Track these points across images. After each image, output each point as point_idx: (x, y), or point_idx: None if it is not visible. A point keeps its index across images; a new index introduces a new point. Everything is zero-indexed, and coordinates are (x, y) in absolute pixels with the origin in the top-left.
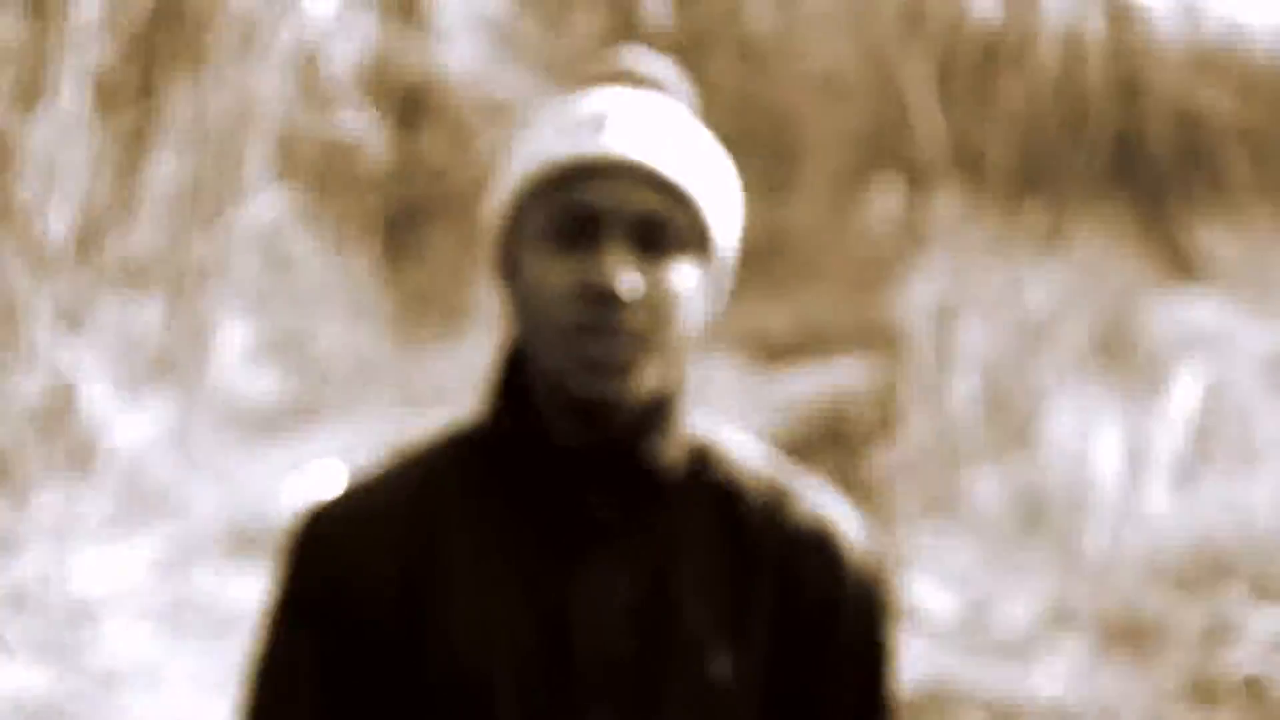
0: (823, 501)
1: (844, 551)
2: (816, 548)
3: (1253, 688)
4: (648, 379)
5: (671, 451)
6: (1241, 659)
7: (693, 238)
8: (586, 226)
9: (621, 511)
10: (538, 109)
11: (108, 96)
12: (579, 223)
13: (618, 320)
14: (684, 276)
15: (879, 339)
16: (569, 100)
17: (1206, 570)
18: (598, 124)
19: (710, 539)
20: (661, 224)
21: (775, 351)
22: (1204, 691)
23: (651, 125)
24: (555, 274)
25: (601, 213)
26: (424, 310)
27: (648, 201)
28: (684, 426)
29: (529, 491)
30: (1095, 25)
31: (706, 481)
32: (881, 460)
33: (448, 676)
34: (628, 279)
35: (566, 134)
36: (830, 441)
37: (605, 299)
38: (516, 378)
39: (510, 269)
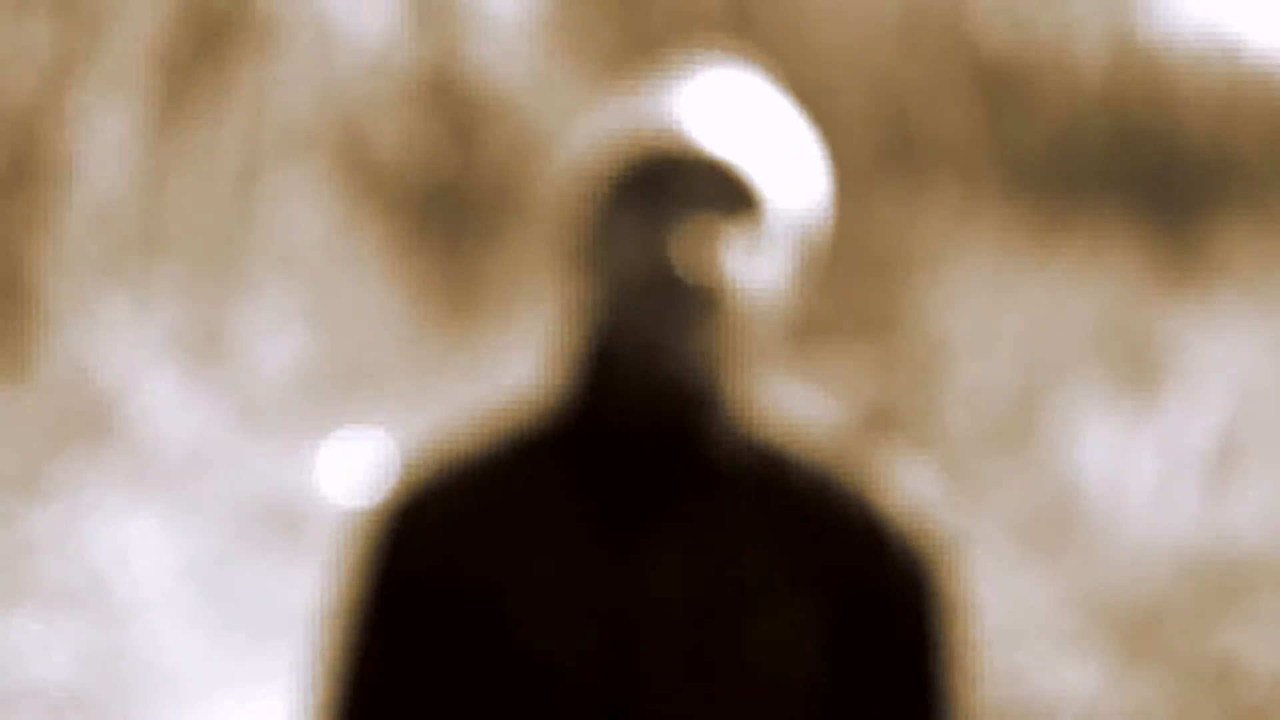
0: (884, 491)
1: (900, 544)
2: (873, 538)
3: (1272, 693)
4: (715, 359)
5: (739, 434)
6: (1270, 660)
7: (769, 228)
8: (662, 213)
9: (687, 495)
10: (608, 94)
11: (154, 69)
12: (655, 210)
13: (684, 304)
14: (755, 261)
15: (885, 334)
16: (640, 87)
17: (1236, 572)
18: (671, 111)
19: (772, 526)
20: (738, 214)
21: (789, 344)
22: (1232, 693)
23: (724, 112)
24: (621, 260)
25: (677, 200)
26: (458, 291)
27: (723, 192)
28: (753, 407)
29: (596, 472)
30: (1127, 53)
31: (771, 465)
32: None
33: (518, 659)
34: (700, 264)
35: (639, 122)
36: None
37: (672, 285)
38: (581, 356)
39: (578, 250)
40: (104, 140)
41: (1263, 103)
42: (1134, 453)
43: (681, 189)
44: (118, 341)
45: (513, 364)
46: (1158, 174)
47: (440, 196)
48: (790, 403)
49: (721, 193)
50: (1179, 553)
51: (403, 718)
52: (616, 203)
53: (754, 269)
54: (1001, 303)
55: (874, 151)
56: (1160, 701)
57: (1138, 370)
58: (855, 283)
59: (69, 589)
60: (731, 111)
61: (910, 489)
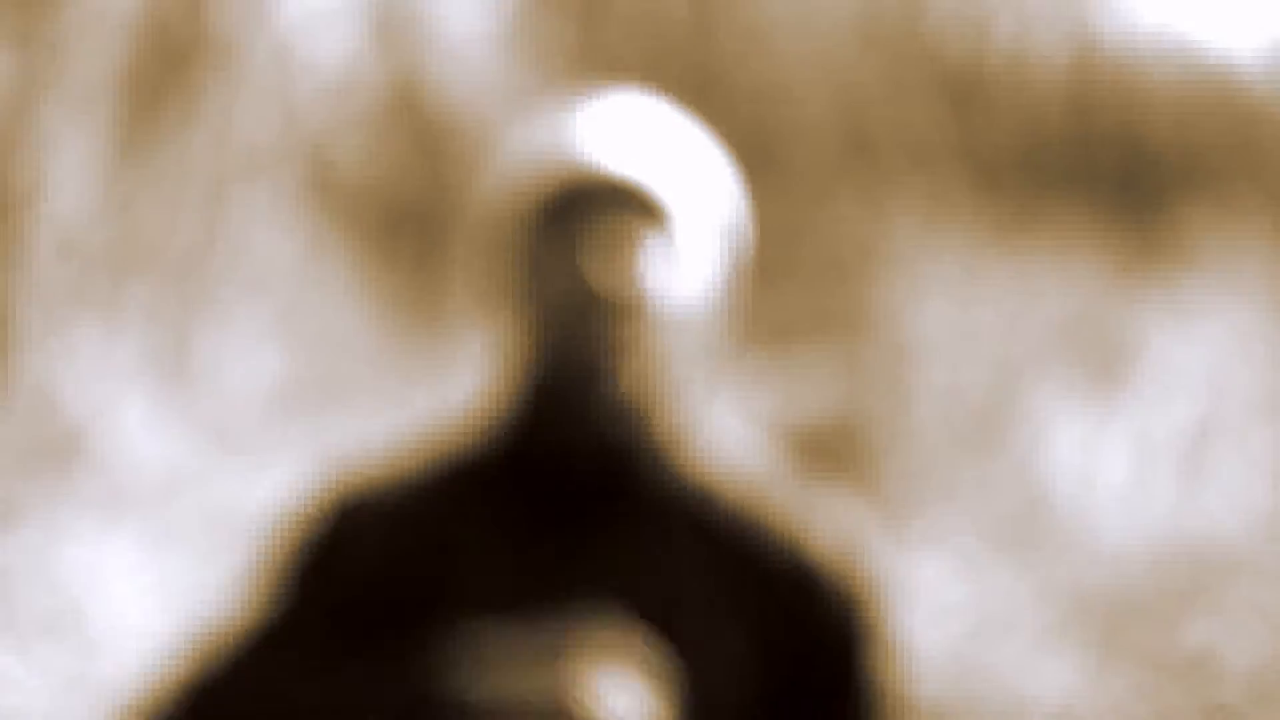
0: (814, 526)
1: (829, 580)
2: (803, 574)
3: (1255, 684)
4: (639, 384)
5: (672, 458)
6: (1245, 656)
7: (679, 235)
8: (589, 233)
9: (619, 520)
10: (528, 122)
11: (117, 94)
12: (581, 232)
13: (605, 327)
14: (674, 274)
15: (857, 334)
16: (560, 114)
17: (1209, 565)
18: (586, 136)
19: (702, 556)
20: (662, 237)
21: (752, 345)
22: (1206, 688)
23: (628, 135)
24: (544, 283)
25: (604, 223)
26: (427, 308)
27: (647, 217)
28: (685, 432)
29: (529, 497)
30: (1088, 51)
31: (703, 494)
32: (875, 459)
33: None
34: (625, 283)
35: (557, 146)
36: (805, 439)
37: (592, 303)
38: (513, 386)
39: (504, 279)
40: (69, 165)
41: (1222, 100)
42: (1105, 448)
43: (593, 211)
44: (88, 366)
45: (475, 381)
46: (1122, 171)
47: (406, 214)
48: (723, 432)
49: (633, 210)
50: (1152, 547)
51: None
52: (535, 229)
53: (673, 282)
54: (969, 302)
55: (838, 154)
56: (1135, 697)
57: (1107, 366)
58: (822, 285)
59: (43, 616)
60: (636, 134)
61: (840, 526)
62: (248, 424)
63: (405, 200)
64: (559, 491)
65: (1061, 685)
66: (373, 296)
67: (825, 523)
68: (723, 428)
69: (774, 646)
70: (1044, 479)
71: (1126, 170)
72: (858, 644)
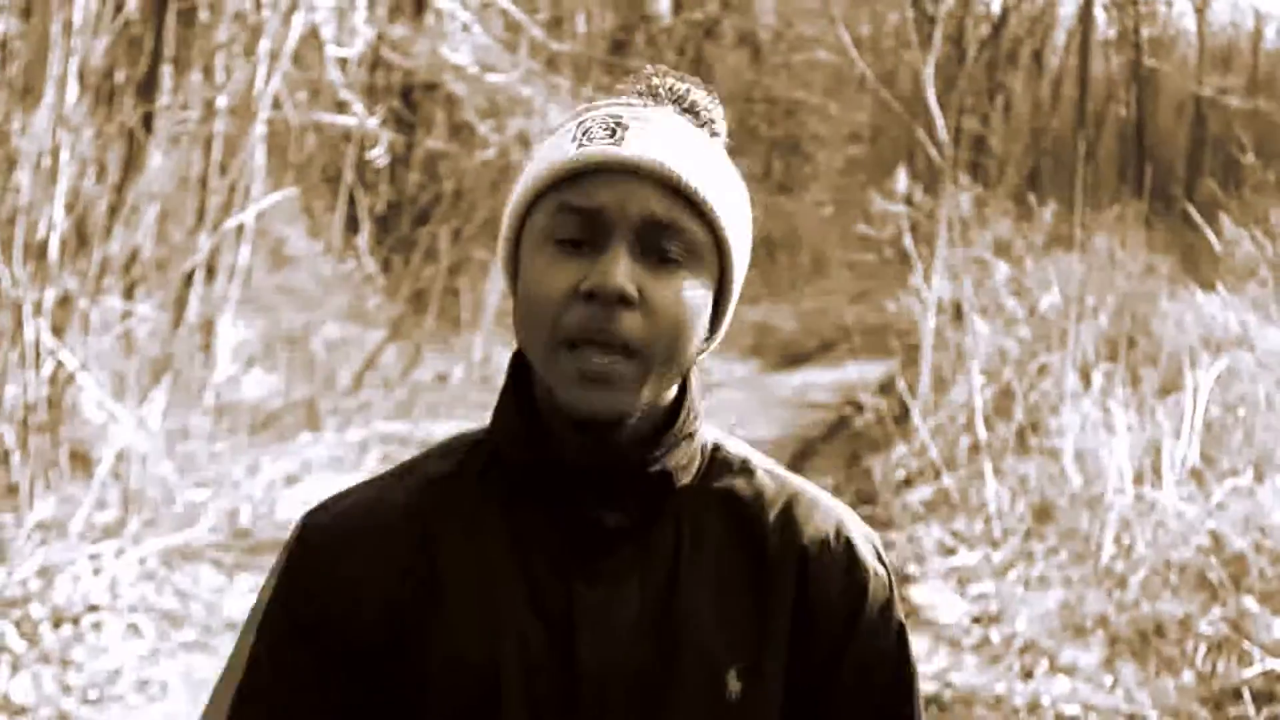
0: (834, 513)
1: (859, 565)
2: (832, 561)
3: (1266, 691)
4: (646, 393)
5: (676, 462)
6: (1255, 663)
7: (700, 252)
8: (591, 230)
9: (628, 523)
10: (561, 118)
11: (105, 92)
12: (583, 225)
13: (616, 326)
14: (689, 289)
15: (889, 338)
16: (589, 108)
17: (1220, 573)
18: (611, 130)
19: (720, 550)
20: (669, 233)
21: (784, 351)
22: (1216, 695)
23: (666, 137)
24: (555, 275)
25: (607, 215)
26: (424, 309)
27: (656, 208)
28: (689, 437)
29: (535, 502)
30: (1105, 21)
31: (714, 492)
32: (893, 461)
33: (453, 687)
34: (629, 282)
35: (579, 138)
36: (840, 442)
37: (605, 301)
38: (523, 387)
39: (516, 273)
40: (66, 176)
41: (1242, 69)
42: (1121, 447)
43: (617, 204)
44: (85, 356)
45: (468, 372)
46: (1145, 159)
47: (415, 213)
48: (731, 433)
49: (658, 212)
50: (1166, 549)
51: None
52: (566, 225)
53: (688, 294)
54: (986, 296)
55: (859, 155)
56: (1144, 701)
57: (1125, 362)
58: (837, 282)
59: (30, 600)
60: (671, 134)
61: (853, 519)
62: (246, 433)
63: (414, 198)
64: (575, 491)
65: (1070, 687)
66: (377, 294)
67: (839, 516)
68: (729, 436)
69: (797, 628)
70: (1060, 480)
71: (1165, 174)
72: (892, 636)
